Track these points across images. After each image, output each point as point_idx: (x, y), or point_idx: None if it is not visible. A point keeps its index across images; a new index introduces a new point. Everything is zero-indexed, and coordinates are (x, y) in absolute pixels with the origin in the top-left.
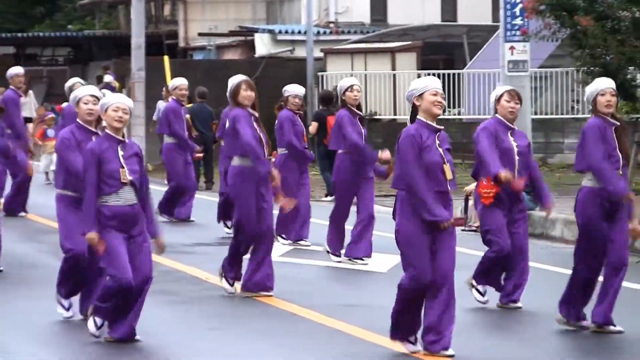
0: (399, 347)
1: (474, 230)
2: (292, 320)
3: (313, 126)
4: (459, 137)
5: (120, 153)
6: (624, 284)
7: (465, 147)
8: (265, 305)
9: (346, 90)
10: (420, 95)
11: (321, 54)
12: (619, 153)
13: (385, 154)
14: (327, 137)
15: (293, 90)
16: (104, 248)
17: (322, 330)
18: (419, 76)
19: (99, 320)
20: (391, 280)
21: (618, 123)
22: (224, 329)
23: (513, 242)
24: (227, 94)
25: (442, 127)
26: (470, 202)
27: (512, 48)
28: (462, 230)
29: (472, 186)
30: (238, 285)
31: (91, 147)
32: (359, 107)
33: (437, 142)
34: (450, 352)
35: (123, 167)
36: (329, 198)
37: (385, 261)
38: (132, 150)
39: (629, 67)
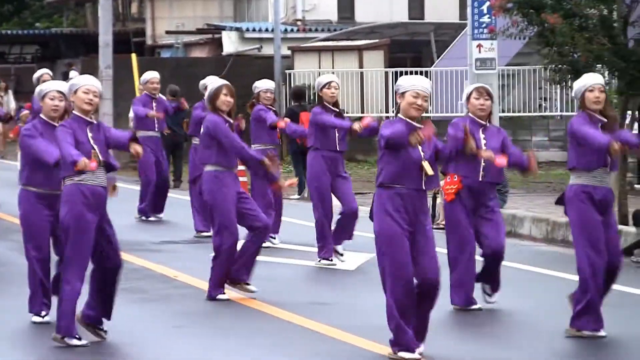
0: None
1: (442, 228)
2: (262, 318)
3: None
4: None
5: (90, 135)
6: (617, 287)
7: None
8: (235, 304)
9: (323, 87)
10: (403, 94)
11: (289, 52)
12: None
13: (361, 123)
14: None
15: (263, 85)
16: (96, 165)
17: (291, 329)
18: (386, 74)
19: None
20: (360, 278)
21: (605, 120)
22: (193, 327)
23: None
24: (206, 96)
25: (421, 126)
26: (439, 200)
27: (479, 46)
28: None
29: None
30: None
31: (62, 124)
32: (336, 104)
33: None
34: (420, 350)
35: (94, 149)
36: (296, 196)
37: (354, 259)
38: (101, 132)
39: (597, 65)
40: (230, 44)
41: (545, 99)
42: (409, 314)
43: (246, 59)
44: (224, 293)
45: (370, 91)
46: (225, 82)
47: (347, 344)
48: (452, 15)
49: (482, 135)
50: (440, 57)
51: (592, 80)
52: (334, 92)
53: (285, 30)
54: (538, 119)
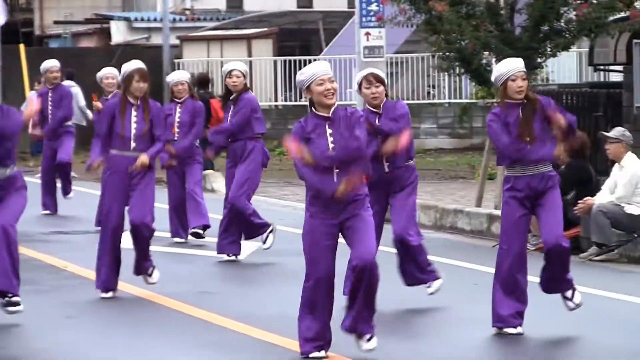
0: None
1: None
2: (152, 308)
3: None
4: None
5: None
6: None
7: None
8: (123, 293)
9: (226, 76)
10: (308, 87)
11: (177, 41)
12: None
13: None
14: (212, 122)
15: (171, 78)
16: None
17: (181, 318)
18: (275, 63)
19: None
20: (249, 268)
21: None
22: (82, 316)
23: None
24: (120, 79)
25: (329, 116)
26: None
27: (367, 34)
28: None
29: None
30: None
31: None
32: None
33: (329, 130)
34: (369, 346)
35: None
36: None
37: (243, 249)
38: None
39: (484, 52)
40: (119, 33)
41: (433, 87)
42: (318, 310)
43: (135, 49)
44: None
45: (259, 80)
46: (138, 66)
47: (236, 333)
48: (340, 3)
49: (377, 124)
50: (328, 46)
51: (513, 68)
52: (235, 80)
53: (174, 19)
54: (426, 107)
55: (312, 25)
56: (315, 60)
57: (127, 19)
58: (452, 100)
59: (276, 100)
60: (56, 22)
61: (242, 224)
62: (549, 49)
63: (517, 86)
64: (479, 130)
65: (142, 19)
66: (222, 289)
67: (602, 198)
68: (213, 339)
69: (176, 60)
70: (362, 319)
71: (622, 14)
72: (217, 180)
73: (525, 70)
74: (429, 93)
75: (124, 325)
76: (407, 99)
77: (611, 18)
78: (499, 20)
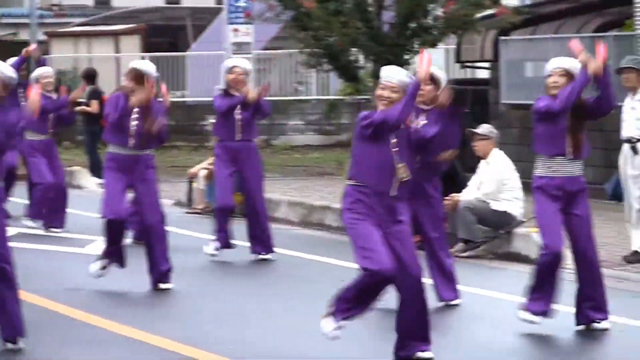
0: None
1: (199, 213)
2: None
3: (94, 104)
4: (183, 120)
5: None
6: None
7: (190, 129)
8: None
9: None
10: None
11: (45, 37)
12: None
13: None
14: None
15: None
16: None
17: (44, 313)
18: (143, 59)
19: None
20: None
21: None
22: None
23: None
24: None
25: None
26: (195, 185)
27: (235, 30)
28: (186, 212)
29: (195, 168)
30: None
31: None
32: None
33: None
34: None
35: None
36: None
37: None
38: None
39: (352, 49)
40: None
41: (301, 83)
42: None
43: (3, 45)
44: None
45: None
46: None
47: (96, 327)
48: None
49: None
50: (196, 42)
51: (550, 66)
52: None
53: (42, 15)
54: (294, 103)
55: (180, 22)
56: (183, 56)
57: None
58: (320, 97)
59: None
60: None
61: None
62: (416, 46)
63: (552, 81)
64: (347, 126)
65: (10, 15)
66: (87, 285)
67: (469, 194)
68: (78, 336)
69: (44, 57)
70: None
71: (489, 12)
72: (84, 177)
73: (564, 68)
74: (296, 89)
75: None
76: (275, 95)
77: (478, 15)
78: (367, 17)
